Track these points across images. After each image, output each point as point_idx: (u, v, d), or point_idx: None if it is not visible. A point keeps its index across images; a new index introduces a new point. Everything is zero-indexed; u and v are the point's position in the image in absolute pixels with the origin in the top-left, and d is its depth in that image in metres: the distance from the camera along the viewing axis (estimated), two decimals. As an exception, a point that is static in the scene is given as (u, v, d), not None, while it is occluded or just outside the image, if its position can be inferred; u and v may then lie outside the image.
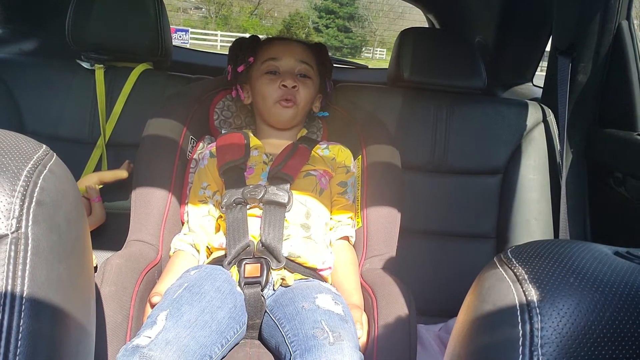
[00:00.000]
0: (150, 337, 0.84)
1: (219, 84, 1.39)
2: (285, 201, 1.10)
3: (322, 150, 1.26)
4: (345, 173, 1.25)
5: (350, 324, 0.94)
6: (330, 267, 1.12)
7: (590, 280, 0.39)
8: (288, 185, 1.13)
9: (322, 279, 1.12)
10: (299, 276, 1.07)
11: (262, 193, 1.10)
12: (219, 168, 1.18)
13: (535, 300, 0.39)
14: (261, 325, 1.02)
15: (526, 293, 0.39)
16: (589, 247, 0.43)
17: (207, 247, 1.14)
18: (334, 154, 1.26)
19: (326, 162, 1.24)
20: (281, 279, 1.04)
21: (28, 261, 0.43)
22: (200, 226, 1.16)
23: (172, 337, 0.84)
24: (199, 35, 21.22)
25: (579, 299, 0.38)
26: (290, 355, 0.88)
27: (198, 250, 1.14)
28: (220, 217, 1.15)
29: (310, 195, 1.15)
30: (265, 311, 1.01)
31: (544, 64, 1.88)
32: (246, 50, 1.30)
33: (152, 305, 0.98)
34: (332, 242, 1.19)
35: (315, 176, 1.19)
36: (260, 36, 1.36)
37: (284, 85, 1.21)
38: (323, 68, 1.32)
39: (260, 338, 1.04)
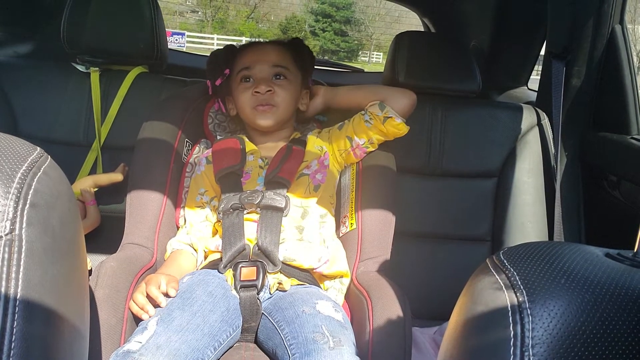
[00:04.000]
0: (141, 342, 0.84)
1: (214, 87, 1.39)
2: (283, 205, 1.10)
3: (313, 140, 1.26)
4: (332, 133, 1.26)
5: (349, 331, 0.94)
6: (327, 261, 1.12)
7: (581, 281, 0.40)
8: (285, 190, 1.13)
9: (319, 283, 1.12)
10: (296, 282, 1.07)
11: (260, 198, 1.10)
12: (215, 174, 1.18)
13: (526, 301, 0.39)
14: (257, 328, 1.03)
15: (517, 294, 0.40)
16: (580, 249, 0.44)
17: (204, 250, 1.14)
18: (320, 135, 1.28)
19: (316, 144, 1.24)
20: (278, 283, 1.05)
21: (22, 263, 0.43)
22: (199, 231, 1.16)
23: (163, 342, 0.84)
24: (196, 38, 21.22)
25: (570, 300, 0.38)
26: (289, 357, 0.88)
27: (196, 250, 1.14)
28: (218, 222, 1.15)
29: (304, 196, 1.16)
30: (263, 314, 1.02)
31: (538, 67, 1.89)
32: (222, 62, 1.29)
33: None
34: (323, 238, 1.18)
35: (308, 175, 1.19)
36: (236, 44, 1.34)
37: (257, 92, 1.20)
38: (302, 64, 1.30)
39: (257, 341, 1.04)
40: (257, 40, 1.34)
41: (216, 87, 1.29)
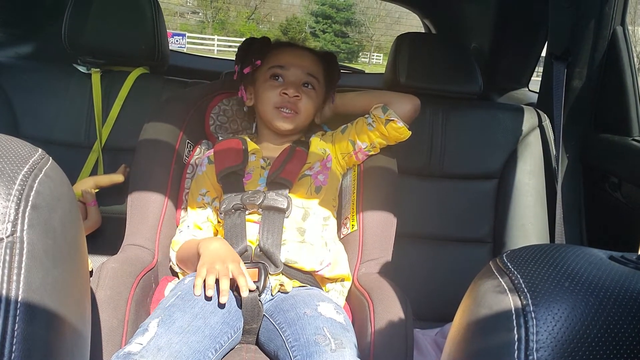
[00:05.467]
0: (141, 344, 0.83)
1: (215, 88, 1.39)
2: (285, 206, 1.10)
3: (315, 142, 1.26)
4: (335, 136, 1.27)
5: (351, 333, 0.94)
6: (329, 264, 1.12)
7: (585, 284, 0.39)
8: (287, 191, 1.13)
9: (321, 285, 1.12)
10: (298, 283, 1.07)
11: (261, 199, 1.10)
12: (217, 174, 1.18)
13: (530, 304, 0.39)
14: (259, 330, 1.02)
15: (521, 297, 0.39)
16: (583, 252, 0.44)
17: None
18: (324, 138, 1.28)
19: (319, 147, 1.24)
20: (280, 284, 1.04)
21: (23, 265, 0.43)
22: (200, 231, 1.16)
23: (164, 343, 0.84)
24: (196, 39, 21.24)
25: (574, 303, 0.38)
26: (291, 359, 0.88)
27: None
28: (219, 222, 1.15)
29: (305, 197, 1.15)
30: (264, 316, 1.01)
31: (539, 69, 1.89)
32: (255, 52, 1.27)
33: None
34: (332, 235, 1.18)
35: (310, 176, 1.19)
36: (272, 38, 1.33)
37: (284, 93, 1.20)
38: (330, 79, 1.30)
39: (258, 343, 1.04)
40: (293, 42, 1.32)
41: (242, 74, 1.28)
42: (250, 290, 1.00)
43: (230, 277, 0.95)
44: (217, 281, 0.97)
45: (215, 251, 1.00)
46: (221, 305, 0.96)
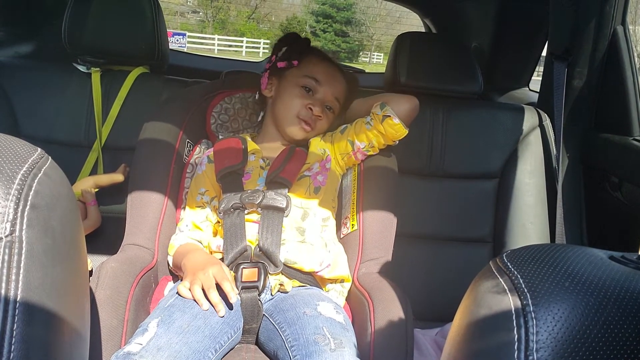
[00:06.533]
0: (141, 344, 0.83)
1: (216, 87, 1.39)
2: (284, 206, 1.10)
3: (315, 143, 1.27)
4: (334, 137, 1.27)
5: (351, 333, 0.94)
6: (329, 265, 1.11)
7: (586, 284, 0.39)
8: (286, 190, 1.13)
9: (321, 285, 1.12)
10: (297, 283, 1.07)
11: (261, 198, 1.10)
12: (216, 173, 1.18)
13: (530, 304, 0.39)
14: (259, 330, 1.02)
15: (521, 297, 0.39)
16: (584, 252, 0.44)
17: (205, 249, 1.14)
18: (323, 138, 1.29)
19: (318, 147, 1.24)
20: (279, 284, 1.04)
21: (22, 265, 0.43)
22: (200, 230, 1.16)
23: (164, 343, 0.83)
24: (197, 39, 21.23)
25: (574, 303, 0.38)
26: (290, 359, 0.88)
27: (205, 247, 1.14)
28: (218, 222, 1.14)
29: (304, 197, 1.15)
30: (264, 315, 1.01)
31: (540, 68, 1.89)
32: (295, 50, 1.29)
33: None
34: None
35: (309, 176, 1.19)
36: (313, 41, 1.34)
37: (310, 108, 1.21)
38: (347, 101, 1.32)
39: (258, 343, 1.04)
40: (331, 58, 1.33)
41: (275, 66, 1.29)
42: (248, 289, 1.00)
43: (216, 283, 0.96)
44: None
45: (195, 262, 1.02)
46: (221, 305, 0.96)
